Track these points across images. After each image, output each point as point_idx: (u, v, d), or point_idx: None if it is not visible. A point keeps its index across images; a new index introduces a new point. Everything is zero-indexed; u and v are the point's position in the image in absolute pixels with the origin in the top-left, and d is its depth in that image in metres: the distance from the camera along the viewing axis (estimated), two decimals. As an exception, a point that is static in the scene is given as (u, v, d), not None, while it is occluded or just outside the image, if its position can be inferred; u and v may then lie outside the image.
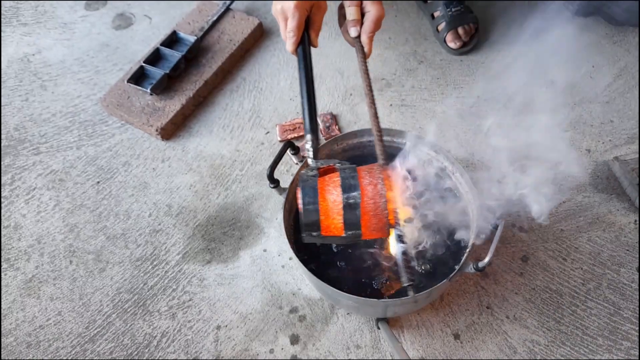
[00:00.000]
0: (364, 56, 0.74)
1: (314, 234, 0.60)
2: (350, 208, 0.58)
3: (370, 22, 0.72)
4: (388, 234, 0.63)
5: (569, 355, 0.83)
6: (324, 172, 0.64)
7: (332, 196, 0.59)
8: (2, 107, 1.18)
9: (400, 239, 0.62)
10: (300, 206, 0.59)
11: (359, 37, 0.74)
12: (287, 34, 0.71)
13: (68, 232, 0.99)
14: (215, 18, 1.24)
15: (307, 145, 0.66)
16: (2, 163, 1.09)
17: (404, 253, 0.62)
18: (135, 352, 0.86)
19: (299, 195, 0.60)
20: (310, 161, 0.65)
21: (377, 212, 0.59)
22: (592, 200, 0.99)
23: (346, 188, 0.59)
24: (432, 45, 1.23)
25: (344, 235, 0.60)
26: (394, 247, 0.62)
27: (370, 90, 0.70)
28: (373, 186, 0.59)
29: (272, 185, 0.78)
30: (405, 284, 0.62)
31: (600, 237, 0.94)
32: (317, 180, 0.61)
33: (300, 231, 0.61)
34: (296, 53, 0.72)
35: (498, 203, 0.72)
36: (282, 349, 0.86)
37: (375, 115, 0.69)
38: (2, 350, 0.87)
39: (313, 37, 0.73)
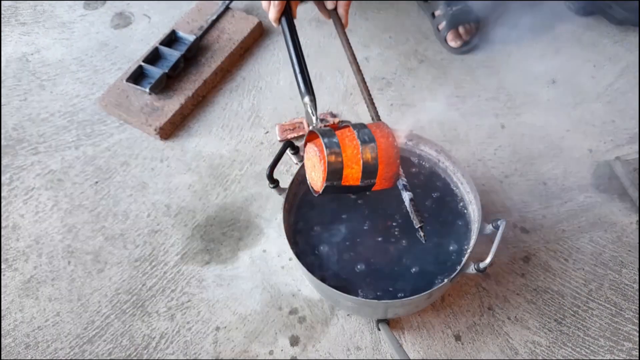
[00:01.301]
0: (343, 27, 0.79)
1: (335, 183, 0.64)
2: (369, 158, 0.63)
3: None
4: (394, 184, 0.67)
5: (571, 356, 0.83)
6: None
7: (350, 148, 0.63)
8: (0, 107, 1.17)
9: (405, 187, 0.67)
10: (325, 156, 0.62)
11: (335, 9, 0.80)
12: (272, 4, 0.75)
13: (66, 233, 0.99)
14: (214, 17, 1.24)
15: (308, 108, 0.70)
16: (0, 163, 1.08)
17: (412, 199, 0.66)
18: (134, 353, 0.86)
19: (322, 146, 0.62)
20: (314, 119, 0.69)
21: (390, 161, 0.64)
22: (593, 201, 0.98)
23: (363, 140, 0.63)
24: (433, 44, 1.23)
25: (359, 184, 0.64)
26: (403, 195, 0.68)
27: (355, 58, 0.75)
28: (385, 139, 0.64)
29: (271, 186, 0.78)
30: (417, 226, 0.66)
31: (602, 238, 0.94)
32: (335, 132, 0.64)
33: (326, 181, 0.64)
34: (279, 22, 0.77)
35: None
36: (282, 350, 0.85)
37: (364, 81, 0.74)
38: (0, 351, 0.87)
39: (293, 8, 0.78)
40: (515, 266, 0.91)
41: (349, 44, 0.77)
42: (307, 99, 0.70)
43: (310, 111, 0.70)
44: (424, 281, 0.77)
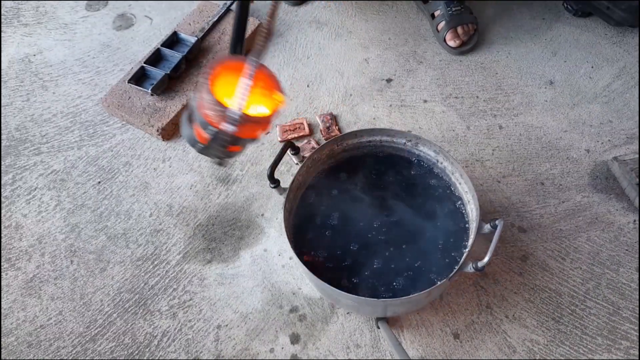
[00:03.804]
0: None
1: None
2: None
3: None
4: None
5: (568, 354, 0.84)
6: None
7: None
8: (3, 108, 1.18)
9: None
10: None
11: None
12: None
13: (69, 232, 1.00)
14: (215, 19, 1.24)
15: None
16: (3, 163, 1.09)
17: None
18: (136, 352, 0.87)
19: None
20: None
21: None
22: (591, 200, 0.99)
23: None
24: (432, 45, 1.24)
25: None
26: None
27: None
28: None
29: (272, 185, 0.79)
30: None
31: (600, 237, 0.95)
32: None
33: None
34: None
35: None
36: (282, 348, 0.86)
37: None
38: (3, 349, 0.87)
39: None
40: (513, 265, 0.92)
41: None
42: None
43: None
44: (423, 280, 0.78)
